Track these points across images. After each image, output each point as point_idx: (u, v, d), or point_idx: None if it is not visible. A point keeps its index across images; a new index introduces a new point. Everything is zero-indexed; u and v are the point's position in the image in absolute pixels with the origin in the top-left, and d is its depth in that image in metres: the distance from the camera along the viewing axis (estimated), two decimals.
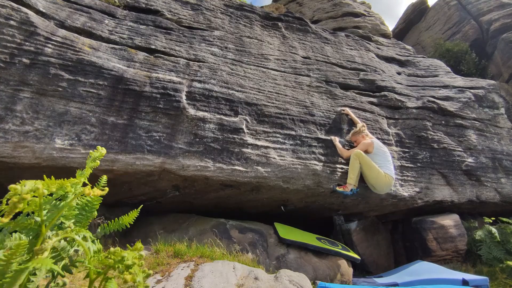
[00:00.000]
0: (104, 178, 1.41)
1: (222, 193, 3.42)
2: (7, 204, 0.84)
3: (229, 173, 3.13)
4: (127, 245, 0.99)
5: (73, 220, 1.16)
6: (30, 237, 1.00)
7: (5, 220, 0.77)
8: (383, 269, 4.29)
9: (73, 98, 2.83)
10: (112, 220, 1.28)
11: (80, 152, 2.68)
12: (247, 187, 3.33)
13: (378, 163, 3.58)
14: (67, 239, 1.00)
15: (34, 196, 0.88)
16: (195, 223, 3.48)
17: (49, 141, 2.61)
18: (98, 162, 1.32)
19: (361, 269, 4.25)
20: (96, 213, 1.26)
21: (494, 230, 4.18)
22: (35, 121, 2.62)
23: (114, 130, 2.89)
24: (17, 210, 0.79)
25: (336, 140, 3.82)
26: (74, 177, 1.17)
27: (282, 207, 3.88)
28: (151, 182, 3.09)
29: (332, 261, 3.29)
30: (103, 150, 1.33)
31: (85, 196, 1.25)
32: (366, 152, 3.63)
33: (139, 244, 0.88)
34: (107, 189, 0.98)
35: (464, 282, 2.85)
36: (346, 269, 3.28)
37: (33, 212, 1.00)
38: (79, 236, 0.96)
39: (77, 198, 1.25)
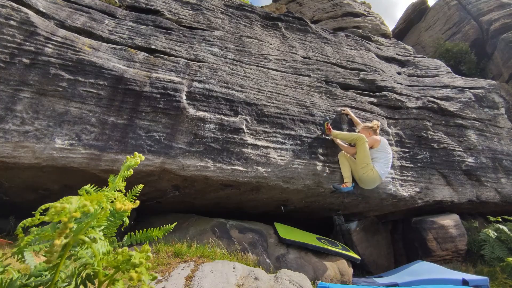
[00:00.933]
0: (140, 187, 1.41)
1: (222, 193, 3.42)
2: (42, 214, 0.80)
3: (229, 173, 3.12)
4: (135, 247, 0.99)
5: (102, 227, 1.14)
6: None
7: (58, 242, 0.75)
8: (383, 269, 4.29)
9: (73, 98, 2.83)
10: (140, 231, 1.26)
11: (80, 152, 2.68)
12: (247, 187, 3.33)
13: (375, 158, 3.56)
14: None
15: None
16: (195, 223, 3.48)
17: (49, 141, 2.60)
18: (132, 171, 1.28)
19: (361, 269, 4.25)
20: (127, 220, 1.22)
21: (505, 228, 4.13)
22: (35, 121, 2.62)
23: (114, 130, 2.89)
24: (67, 231, 0.75)
25: (337, 139, 3.82)
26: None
27: (282, 207, 3.88)
28: (151, 182, 3.09)
29: (332, 261, 3.29)
30: (140, 158, 1.31)
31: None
32: (370, 147, 3.62)
33: (146, 246, 0.88)
34: (138, 202, 0.95)
35: (464, 282, 2.85)
36: (346, 269, 3.28)
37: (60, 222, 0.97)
38: (89, 238, 0.94)
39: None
